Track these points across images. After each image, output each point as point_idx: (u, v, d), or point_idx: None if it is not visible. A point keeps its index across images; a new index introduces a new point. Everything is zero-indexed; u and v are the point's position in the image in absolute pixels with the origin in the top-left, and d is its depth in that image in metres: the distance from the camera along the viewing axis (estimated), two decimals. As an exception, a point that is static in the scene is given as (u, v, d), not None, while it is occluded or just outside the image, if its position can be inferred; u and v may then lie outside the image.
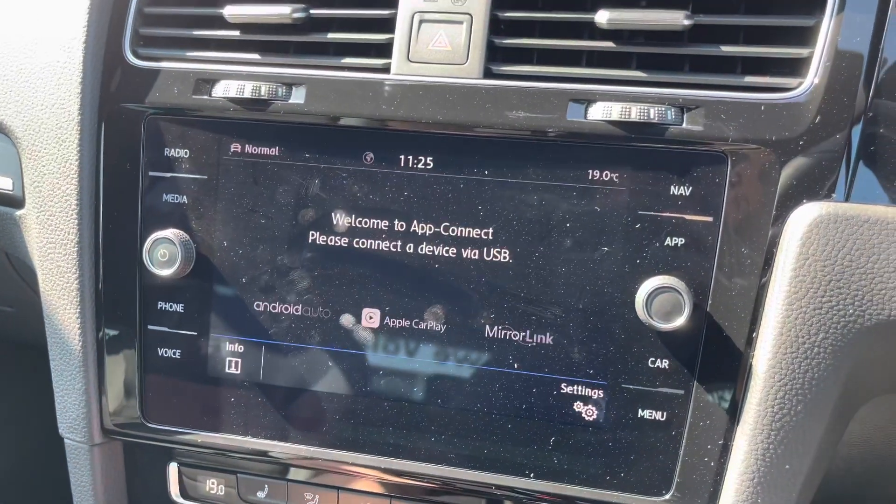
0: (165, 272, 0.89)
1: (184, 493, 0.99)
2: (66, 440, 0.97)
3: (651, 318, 0.79)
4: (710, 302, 0.80)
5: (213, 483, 0.98)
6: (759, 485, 0.79)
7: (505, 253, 0.84)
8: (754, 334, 0.79)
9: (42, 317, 1.16)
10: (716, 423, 0.81)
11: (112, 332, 0.94)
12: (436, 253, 0.86)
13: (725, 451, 0.81)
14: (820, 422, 0.77)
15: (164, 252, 0.89)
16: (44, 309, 0.95)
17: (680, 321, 0.77)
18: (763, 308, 0.78)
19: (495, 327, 0.86)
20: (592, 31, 0.83)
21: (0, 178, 0.97)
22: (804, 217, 0.76)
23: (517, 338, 0.85)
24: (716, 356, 0.80)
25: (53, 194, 0.93)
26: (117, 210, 0.92)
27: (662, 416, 0.82)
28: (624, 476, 0.84)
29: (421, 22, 0.85)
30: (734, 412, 0.80)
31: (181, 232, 0.90)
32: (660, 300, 0.79)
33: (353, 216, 0.87)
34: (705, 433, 0.81)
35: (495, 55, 0.85)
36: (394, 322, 0.88)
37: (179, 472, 0.99)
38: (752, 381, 0.79)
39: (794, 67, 0.79)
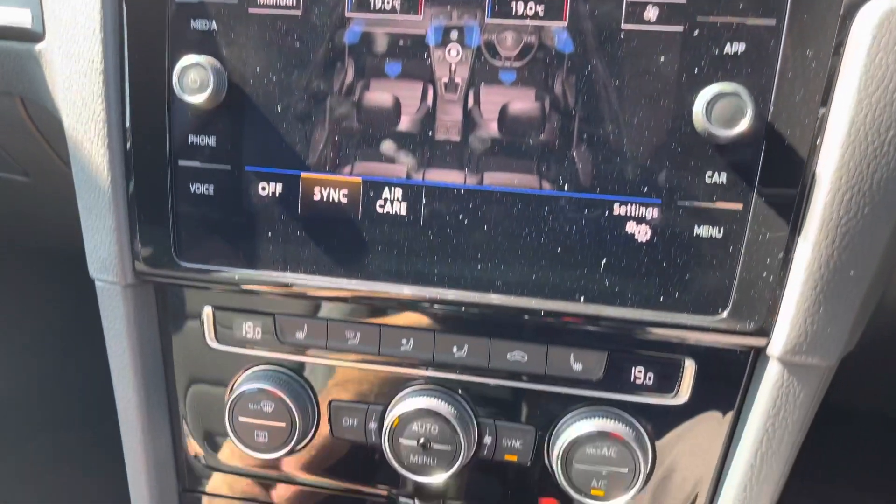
0: (197, 98, 0.84)
1: (219, 338, 0.97)
2: (96, 283, 0.94)
3: (711, 125, 0.75)
4: (771, 109, 0.77)
5: (249, 326, 0.96)
6: (821, 293, 0.77)
7: (556, 67, 0.81)
8: (819, 140, 0.76)
9: (58, 189, 1.13)
10: (775, 235, 0.78)
11: (141, 168, 0.90)
12: (484, 65, 0.82)
13: (785, 263, 0.79)
14: (887, 224, 0.75)
15: (194, 78, 0.85)
16: (69, 145, 0.91)
17: (743, 125, 0.74)
18: (829, 110, 0.75)
19: (543, 146, 0.82)
20: None
21: (19, 10, 0.92)
22: (875, 10, 0.72)
23: (567, 157, 0.82)
24: (776, 166, 0.77)
25: (75, 21, 0.88)
26: (143, 35, 0.87)
27: (719, 233, 0.80)
28: (679, 296, 0.82)
29: None
30: (796, 222, 0.78)
31: (212, 58, 0.86)
32: (721, 105, 0.75)
33: (394, 36, 0.83)
34: (764, 247, 0.79)
35: None
36: (438, 145, 0.84)
37: (214, 315, 0.97)
38: (817, 187, 0.76)
39: None
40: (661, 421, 0.89)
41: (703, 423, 0.89)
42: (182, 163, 0.90)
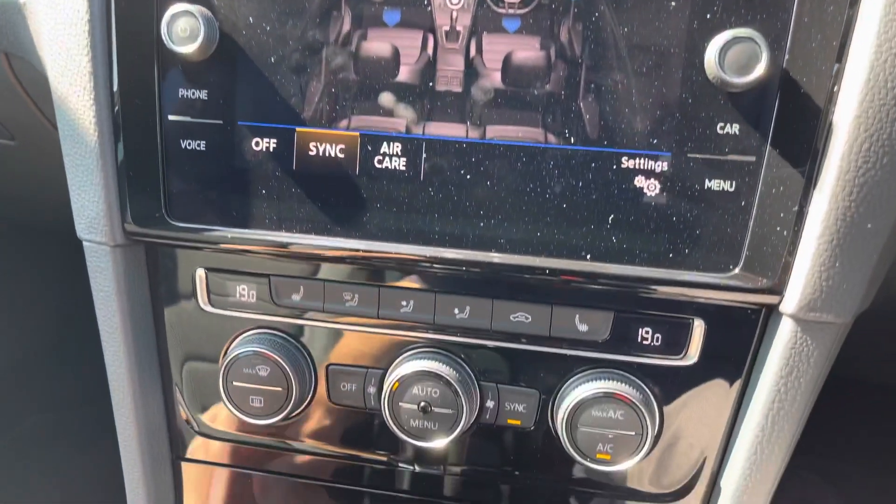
0: (187, 49, 0.81)
1: (213, 301, 0.94)
2: (84, 244, 0.91)
3: (724, 72, 0.72)
4: (787, 56, 0.74)
5: (243, 289, 0.93)
6: (837, 247, 0.74)
7: (562, 14, 0.77)
8: (836, 87, 0.73)
9: (45, 152, 1.10)
10: (790, 188, 0.75)
11: (130, 124, 0.87)
12: (487, 12, 0.79)
13: (800, 217, 0.76)
14: (906, 175, 0.72)
15: (184, 27, 0.81)
16: (55, 100, 0.88)
17: (758, 72, 0.71)
18: (847, 56, 0.72)
19: (549, 97, 0.79)
20: None
21: (-1, -41, 0.89)
22: (897, -51, 0.69)
23: (573, 108, 0.79)
24: (792, 115, 0.74)
25: (59, -32, 0.84)
26: (130, -18, 0.84)
27: (731, 186, 0.77)
28: (689, 253, 0.79)
29: None
30: (811, 174, 0.75)
31: (202, 6, 0.82)
32: (734, 52, 0.72)
33: (392, -18, 0.80)
34: (778, 200, 0.76)
35: None
36: (439, 97, 0.81)
37: (207, 278, 0.93)
38: (834, 137, 0.73)
39: None
40: (669, 383, 0.87)
41: (712, 384, 0.86)
42: (172, 118, 0.86)
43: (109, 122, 0.87)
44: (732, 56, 0.72)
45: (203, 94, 0.85)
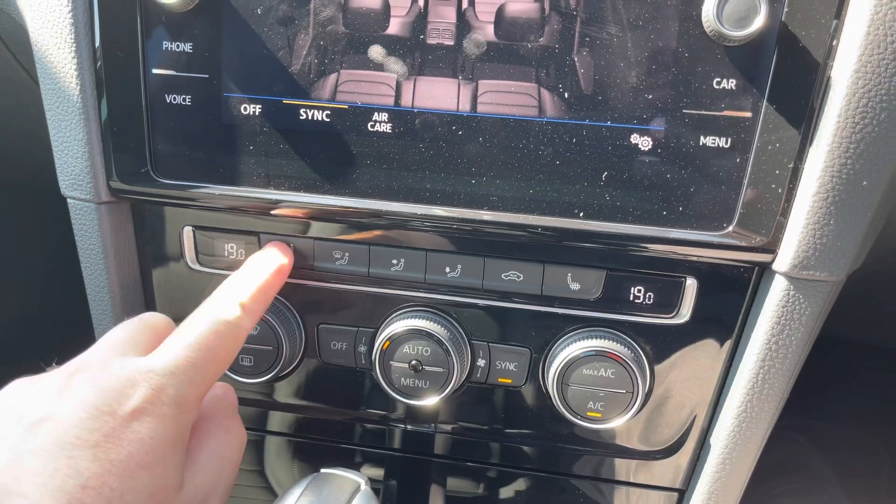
0: (169, -1, 0.79)
1: (201, 260, 0.93)
2: (69, 201, 0.89)
3: (722, 25, 0.71)
4: (786, 8, 0.72)
5: (232, 247, 0.92)
6: (832, 205, 0.73)
7: (556, -36, 0.76)
8: (835, 42, 0.72)
9: (27, 108, 1.07)
10: (786, 144, 0.74)
11: (113, 78, 0.84)
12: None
13: (795, 174, 0.75)
14: (903, 131, 0.71)
15: (166, -24, 0.79)
16: (35, 53, 0.85)
17: (757, 24, 0.70)
18: (846, 10, 0.71)
19: (543, 51, 0.77)
20: None
21: None
22: None
23: (568, 62, 0.77)
24: (789, 70, 0.73)
25: (36, -86, 0.81)
26: (111, -70, 0.81)
27: (726, 143, 0.76)
28: (682, 210, 0.78)
29: None
30: (807, 131, 0.74)
31: (185, -44, 0.80)
32: (733, 3, 0.70)
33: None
34: (774, 157, 0.75)
35: None
36: (430, 50, 0.79)
37: (195, 236, 0.92)
38: (832, 92, 0.72)
39: None
40: (660, 341, 0.87)
41: (703, 342, 0.86)
42: (156, 71, 0.84)
43: (92, 76, 0.84)
44: (731, 8, 0.71)
45: (188, 47, 0.83)
